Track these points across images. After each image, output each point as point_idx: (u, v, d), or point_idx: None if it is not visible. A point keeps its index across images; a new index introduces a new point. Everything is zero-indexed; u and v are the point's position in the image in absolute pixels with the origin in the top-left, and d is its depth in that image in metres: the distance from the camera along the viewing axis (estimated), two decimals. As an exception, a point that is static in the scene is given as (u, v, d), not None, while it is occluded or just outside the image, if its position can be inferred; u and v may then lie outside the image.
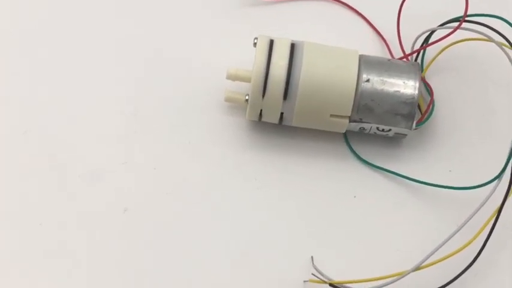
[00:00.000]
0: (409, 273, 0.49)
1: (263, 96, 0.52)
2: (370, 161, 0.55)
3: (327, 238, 0.53)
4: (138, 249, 0.52)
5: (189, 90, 0.56)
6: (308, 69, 0.52)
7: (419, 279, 0.50)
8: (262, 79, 0.51)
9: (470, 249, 0.50)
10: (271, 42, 0.53)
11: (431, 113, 0.55)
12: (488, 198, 0.50)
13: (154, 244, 0.52)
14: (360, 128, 0.54)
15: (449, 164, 0.56)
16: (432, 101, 0.56)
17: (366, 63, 0.53)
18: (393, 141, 0.56)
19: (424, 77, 0.57)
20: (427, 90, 0.56)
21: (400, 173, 0.55)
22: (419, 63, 0.56)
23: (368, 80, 0.52)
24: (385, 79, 0.53)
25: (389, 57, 0.57)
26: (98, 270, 0.51)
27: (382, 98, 0.52)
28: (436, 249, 0.49)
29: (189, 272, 0.51)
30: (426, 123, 0.56)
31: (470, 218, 0.50)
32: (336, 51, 0.53)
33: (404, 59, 0.56)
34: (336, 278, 0.51)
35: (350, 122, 0.53)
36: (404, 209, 0.54)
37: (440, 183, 0.54)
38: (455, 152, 0.56)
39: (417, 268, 0.49)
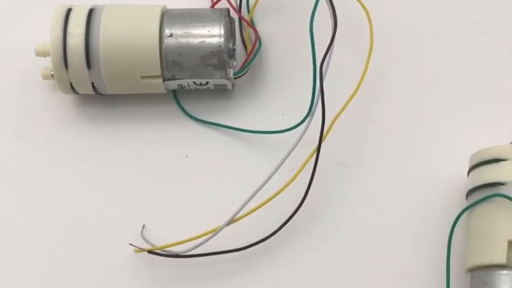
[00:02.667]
0: (222, 228, 0.47)
1: (66, 68, 0.50)
2: (201, 118, 0.53)
3: (161, 203, 0.52)
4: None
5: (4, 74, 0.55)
6: (107, 33, 0.50)
7: (254, 227, 0.49)
8: (60, 51, 0.50)
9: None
10: (68, 11, 0.51)
11: (253, 59, 0.53)
12: (301, 138, 0.48)
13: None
14: (178, 85, 0.52)
15: (281, 108, 0.53)
16: (255, 47, 0.53)
17: (168, 17, 0.51)
18: (223, 93, 0.54)
19: (250, 21, 0.54)
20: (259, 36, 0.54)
21: (232, 125, 0.53)
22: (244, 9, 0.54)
23: (171, 35, 0.50)
24: (189, 31, 0.50)
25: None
26: None
27: (189, 51, 0.50)
28: (249, 200, 0.47)
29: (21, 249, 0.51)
30: (257, 69, 0.54)
31: (282, 162, 0.48)
32: (137, 10, 0.51)
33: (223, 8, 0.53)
34: (169, 242, 0.49)
35: (164, 80, 0.51)
36: (238, 162, 0.52)
37: (274, 128, 0.52)
38: (286, 95, 0.54)
39: (231, 221, 0.47)
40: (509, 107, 0.52)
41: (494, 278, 0.43)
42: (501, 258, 0.43)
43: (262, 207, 0.48)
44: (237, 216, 0.47)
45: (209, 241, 0.48)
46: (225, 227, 0.48)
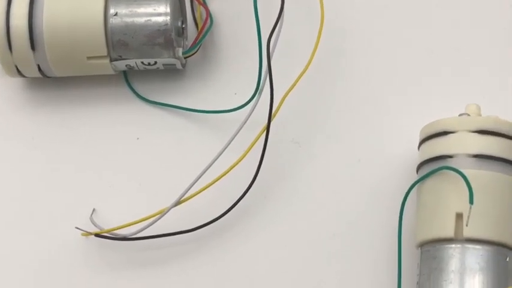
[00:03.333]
0: (169, 209, 0.47)
1: (10, 50, 0.49)
2: (153, 99, 0.52)
3: (112, 186, 0.51)
4: None
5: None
6: (50, 14, 0.49)
7: (207, 208, 0.48)
8: (3, 33, 0.49)
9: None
10: (12, -8, 0.50)
11: (203, 37, 0.52)
12: (248, 117, 0.47)
13: None
14: (126, 66, 0.51)
15: (234, 87, 0.52)
16: (206, 25, 0.52)
17: (113, -4, 0.50)
18: (175, 73, 0.53)
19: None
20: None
21: (183, 106, 0.52)
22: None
23: (116, 14, 0.49)
24: (134, 10, 0.49)
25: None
26: None
27: (135, 31, 0.49)
28: (196, 180, 0.47)
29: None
30: (209, 49, 0.53)
31: (229, 142, 0.47)
32: (82, -11, 0.50)
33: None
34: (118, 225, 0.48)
35: (111, 61, 0.50)
36: (190, 143, 0.51)
37: (227, 107, 0.51)
38: (239, 73, 0.53)
39: (178, 202, 0.46)
40: (461, 79, 0.50)
41: (443, 252, 0.42)
42: (449, 231, 0.42)
43: (215, 188, 0.47)
44: (184, 197, 0.46)
45: (160, 223, 0.47)
46: (177, 209, 0.47)
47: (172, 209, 0.47)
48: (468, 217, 0.41)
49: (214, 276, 0.48)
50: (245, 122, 0.47)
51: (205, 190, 0.47)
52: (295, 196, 0.50)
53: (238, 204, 0.48)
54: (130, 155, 0.51)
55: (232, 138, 0.47)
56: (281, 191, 0.50)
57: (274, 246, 0.48)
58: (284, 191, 0.50)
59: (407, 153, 0.48)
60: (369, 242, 0.48)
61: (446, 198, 0.42)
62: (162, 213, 0.46)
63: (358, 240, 0.48)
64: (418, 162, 0.45)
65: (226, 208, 0.48)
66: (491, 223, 0.42)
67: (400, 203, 0.44)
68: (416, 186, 0.45)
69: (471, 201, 0.40)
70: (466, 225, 0.41)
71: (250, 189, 0.48)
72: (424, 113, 0.47)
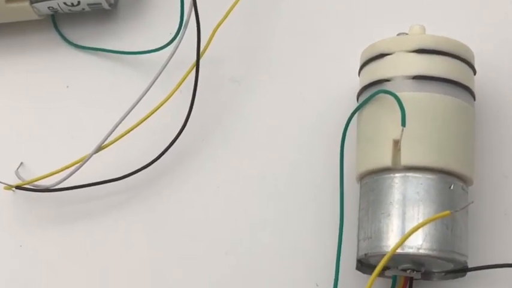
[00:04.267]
0: (90, 156, 0.44)
1: None
2: (84, 44, 0.49)
3: (41, 137, 0.48)
4: None
5: None
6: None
7: (139, 154, 0.45)
8: None
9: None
10: None
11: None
12: (173, 53, 0.44)
13: None
14: (49, 8, 0.48)
15: (168, 27, 0.48)
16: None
17: None
18: (105, 16, 0.50)
19: None
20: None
21: (115, 49, 0.48)
22: None
23: (32, -48, 0.46)
24: None
25: None
26: None
27: (52, -32, 0.46)
28: (117, 125, 0.43)
29: None
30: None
31: (153, 82, 0.44)
32: None
33: None
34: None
35: (32, 3, 0.47)
36: (122, 87, 0.48)
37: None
38: (172, 12, 0.49)
39: (99, 148, 0.43)
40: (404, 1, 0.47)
41: (380, 183, 0.38)
42: (386, 160, 0.38)
43: (149, 132, 0.45)
44: (107, 142, 0.43)
45: (91, 173, 0.44)
46: (108, 156, 0.45)
47: (104, 157, 0.44)
48: (400, 141, 0.37)
49: (151, 225, 0.45)
50: (169, 59, 0.43)
51: (140, 135, 0.44)
52: (235, 136, 0.46)
53: (173, 147, 0.44)
54: (60, 103, 0.48)
55: (156, 78, 0.43)
56: (220, 132, 0.46)
57: (213, 189, 0.45)
58: (223, 132, 0.46)
59: (351, 84, 0.44)
60: (312, 178, 0.44)
61: (384, 125, 0.39)
62: (83, 160, 0.42)
63: (301, 177, 0.45)
64: (358, 90, 0.42)
65: (160, 152, 0.44)
66: (432, 149, 0.38)
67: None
68: (356, 115, 0.41)
69: (403, 123, 0.37)
70: (399, 150, 0.37)
71: (187, 132, 0.45)
72: (366, 40, 0.43)
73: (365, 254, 0.38)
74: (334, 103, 0.45)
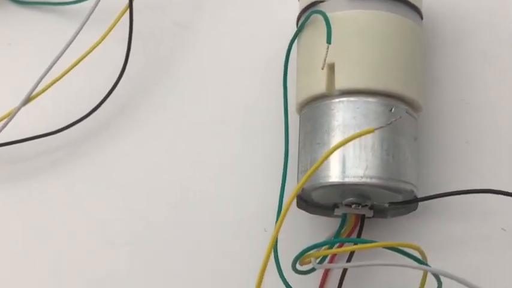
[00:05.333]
0: (18, 109, 0.41)
1: None
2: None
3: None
4: None
5: None
6: None
7: (78, 106, 0.43)
8: None
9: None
10: None
11: None
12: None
13: None
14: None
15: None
16: None
17: None
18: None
19: None
20: None
21: (55, 1, 0.46)
22: None
23: None
24: None
25: None
26: None
27: None
28: (45, 74, 0.41)
29: None
30: None
31: (83, 24, 0.41)
32: None
33: None
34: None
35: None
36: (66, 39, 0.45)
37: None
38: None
39: (28, 100, 0.41)
40: None
41: (316, 111, 0.35)
42: (321, 86, 0.35)
43: (86, 83, 0.43)
44: (35, 93, 0.40)
45: (24, 127, 0.42)
46: (45, 111, 0.42)
47: (38, 110, 0.42)
48: (325, 60, 0.34)
49: (93, 180, 0.42)
50: (96, 5, 0.40)
51: (76, 86, 0.43)
52: (180, 83, 0.44)
53: (114, 98, 0.42)
54: (2, 62, 0.46)
55: (85, 22, 0.41)
56: (165, 79, 0.44)
57: (159, 138, 0.43)
58: (168, 79, 0.44)
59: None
60: (264, 121, 0.41)
61: (319, 50, 0.35)
62: (11, 115, 0.40)
63: (251, 122, 0.42)
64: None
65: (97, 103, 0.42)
66: (370, 70, 0.35)
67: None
68: (294, 42, 0.38)
69: (328, 41, 0.33)
70: (322, 69, 0.33)
71: (128, 81, 0.43)
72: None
73: (303, 189, 0.35)
74: (282, 39, 0.42)
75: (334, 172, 0.33)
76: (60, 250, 0.41)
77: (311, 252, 0.32)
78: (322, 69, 0.34)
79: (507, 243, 0.37)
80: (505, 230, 0.38)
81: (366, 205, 0.35)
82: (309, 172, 0.30)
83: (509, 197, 0.36)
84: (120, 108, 0.43)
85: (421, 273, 0.33)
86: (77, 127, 0.42)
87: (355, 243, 0.34)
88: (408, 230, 0.38)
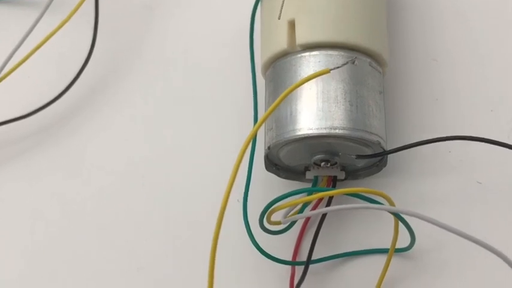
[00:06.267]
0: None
1: None
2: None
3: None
4: None
5: None
6: None
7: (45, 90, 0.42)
8: None
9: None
10: None
11: None
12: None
13: None
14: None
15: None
16: None
17: None
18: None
19: None
20: None
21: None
22: None
23: None
24: None
25: None
26: None
27: None
28: (10, 56, 0.40)
29: None
30: None
31: (48, 6, 0.41)
32: None
33: None
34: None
35: None
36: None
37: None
38: None
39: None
40: None
41: (278, 71, 0.35)
42: (281, 43, 0.35)
43: (57, 65, 0.43)
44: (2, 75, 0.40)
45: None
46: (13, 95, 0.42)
47: (8, 96, 0.42)
48: (280, 10, 0.33)
49: (64, 165, 0.41)
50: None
51: (44, 69, 0.43)
52: (149, 64, 0.43)
53: (81, 79, 0.41)
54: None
55: (49, 4, 0.40)
56: (134, 61, 0.43)
57: (127, 118, 0.42)
58: (137, 58, 0.43)
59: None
60: (234, 90, 0.41)
61: (278, 8, 0.35)
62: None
63: (222, 93, 0.41)
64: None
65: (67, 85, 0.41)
66: (330, 23, 0.34)
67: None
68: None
69: (284, -13, 0.33)
70: (279, 19, 0.33)
71: (95, 62, 0.42)
72: None
73: (268, 147, 0.34)
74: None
75: (299, 125, 0.33)
76: (31, 234, 0.40)
77: (276, 205, 0.31)
78: (279, 19, 0.33)
79: (484, 197, 0.36)
80: (480, 183, 0.37)
81: (336, 163, 0.35)
82: (265, 114, 0.30)
83: (483, 150, 0.36)
84: (89, 90, 0.43)
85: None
86: (46, 111, 0.42)
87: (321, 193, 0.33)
88: (381, 190, 0.37)
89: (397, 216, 0.32)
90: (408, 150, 0.36)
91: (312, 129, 0.33)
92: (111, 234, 0.39)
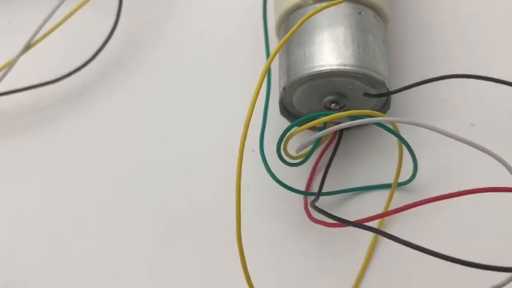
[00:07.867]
0: (18, 57, 0.43)
1: None
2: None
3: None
4: None
5: None
6: None
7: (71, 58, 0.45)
8: None
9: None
10: None
11: None
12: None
13: None
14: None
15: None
16: None
17: None
18: None
19: None
20: None
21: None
22: None
23: None
24: None
25: None
26: None
27: None
28: (46, 20, 0.44)
29: None
30: None
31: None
32: None
33: None
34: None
35: None
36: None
37: None
38: None
39: (29, 46, 0.44)
40: None
41: (291, 23, 0.39)
42: (294, -1, 0.39)
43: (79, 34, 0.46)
44: (34, 40, 0.43)
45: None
46: (39, 63, 0.45)
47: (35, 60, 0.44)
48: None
49: (89, 133, 0.44)
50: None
51: (68, 38, 0.45)
52: (169, 40, 0.47)
53: (105, 50, 0.45)
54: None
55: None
56: (156, 33, 0.47)
57: (148, 91, 0.45)
58: (160, 32, 0.47)
59: None
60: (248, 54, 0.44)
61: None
62: (10, 64, 0.43)
63: (236, 59, 0.45)
64: None
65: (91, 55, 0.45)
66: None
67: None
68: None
69: None
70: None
71: (118, 35, 0.45)
72: None
73: (284, 88, 0.38)
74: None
75: (312, 64, 0.37)
76: (54, 202, 0.42)
77: (292, 131, 0.35)
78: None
79: (477, 139, 0.39)
80: (474, 126, 0.40)
81: (344, 106, 0.38)
82: (283, 38, 0.33)
83: (477, 93, 0.39)
84: (114, 60, 0.46)
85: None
86: (72, 78, 0.45)
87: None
88: (382, 136, 0.40)
89: (402, 140, 0.35)
90: (406, 99, 0.39)
91: (324, 66, 0.36)
92: (142, 188, 0.42)
